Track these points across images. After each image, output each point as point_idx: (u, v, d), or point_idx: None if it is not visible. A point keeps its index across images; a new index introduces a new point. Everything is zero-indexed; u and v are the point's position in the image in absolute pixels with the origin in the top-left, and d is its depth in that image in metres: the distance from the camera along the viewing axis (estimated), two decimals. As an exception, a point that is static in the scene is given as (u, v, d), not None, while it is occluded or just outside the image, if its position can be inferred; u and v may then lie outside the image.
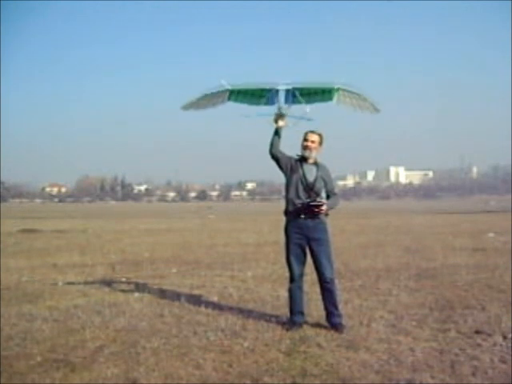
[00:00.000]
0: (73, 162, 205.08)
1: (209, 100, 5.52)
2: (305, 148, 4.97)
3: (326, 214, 5.01)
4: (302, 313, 5.03)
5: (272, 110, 5.21)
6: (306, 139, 4.99)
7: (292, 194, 4.95)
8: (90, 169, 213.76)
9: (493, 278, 7.55)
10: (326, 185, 5.01)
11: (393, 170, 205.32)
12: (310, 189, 4.90)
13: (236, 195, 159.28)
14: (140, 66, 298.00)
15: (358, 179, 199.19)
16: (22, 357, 4.17)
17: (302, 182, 4.92)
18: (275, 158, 5.03)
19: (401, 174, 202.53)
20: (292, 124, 5.22)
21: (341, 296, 5.42)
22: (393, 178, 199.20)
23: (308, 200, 4.87)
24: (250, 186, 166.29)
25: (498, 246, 12.11)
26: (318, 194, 4.93)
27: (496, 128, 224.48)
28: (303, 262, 5.02)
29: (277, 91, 5.21)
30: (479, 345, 4.37)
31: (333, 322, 4.88)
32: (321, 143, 5.03)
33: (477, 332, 4.71)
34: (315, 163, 5.00)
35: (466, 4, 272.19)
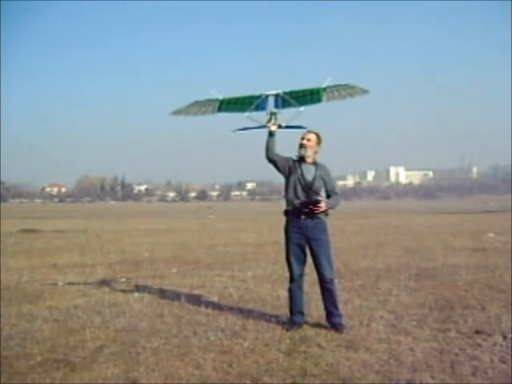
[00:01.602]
0: (73, 162, 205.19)
1: (199, 108, 5.63)
2: (301, 146, 5.00)
3: (326, 214, 4.99)
4: (301, 313, 5.03)
5: (262, 118, 5.21)
6: (302, 138, 5.02)
7: (291, 194, 4.96)
8: (90, 169, 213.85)
9: (493, 278, 7.55)
10: (326, 184, 5.00)
11: (393, 169, 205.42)
12: (308, 188, 4.90)
13: (236, 195, 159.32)
14: (140, 66, 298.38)
15: (358, 179, 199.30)
16: (22, 357, 4.17)
17: (300, 182, 4.93)
18: (272, 161, 5.04)
19: (401, 174, 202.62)
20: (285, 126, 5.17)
21: (341, 296, 5.40)
22: (393, 178, 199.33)
23: (305, 199, 4.88)
24: (250, 186, 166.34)
25: (498, 245, 12.10)
26: (316, 193, 4.92)
27: (496, 128, 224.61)
28: (303, 262, 5.02)
29: (266, 97, 5.23)
30: (479, 345, 4.37)
31: (333, 322, 4.88)
32: (318, 143, 5.03)
33: (477, 332, 4.71)
34: (314, 163, 5.01)
35: (466, 4, 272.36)
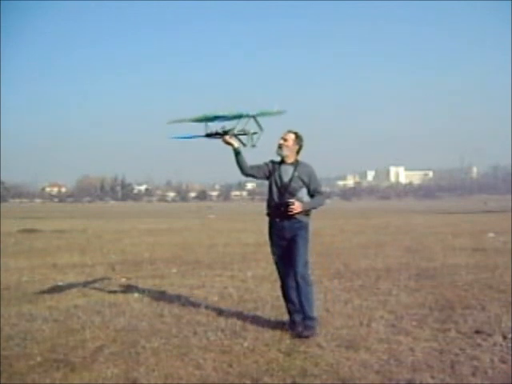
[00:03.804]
0: (73, 162, 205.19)
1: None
2: (279, 147, 4.93)
3: (307, 214, 4.90)
4: (299, 311, 4.99)
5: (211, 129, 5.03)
6: (281, 138, 4.95)
7: (269, 196, 4.95)
8: (89, 169, 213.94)
9: (493, 277, 7.55)
10: (308, 184, 4.89)
11: (393, 169, 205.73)
12: (283, 189, 4.83)
13: (236, 195, 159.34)
14: (140, 66, 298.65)
15: (357, 179, 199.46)
16: (22, 357, 4.17)
17: (276, 184, 4.88)
18: (250, 176, 5.02)
19: (401, 174, 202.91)
20: (253, 143, 4.98)
21: (314, 296, 4.90)
22: (393, 178, 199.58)
23: (278, 201, 4.82)
24: (250, 186, 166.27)
25: (498, 245, 12.10)
26: (292, 195, 4.81)
27: (496, 128, 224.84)
28: (289, 263, 4.93)
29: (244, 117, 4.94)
30: (479, 345, 4.37)
31: (305, 322, 4.75)
32: (297, 142, 4.93)
33: (477, 332, 4.71)
34: (293, 163, 4.91)
35: (466, 4, 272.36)
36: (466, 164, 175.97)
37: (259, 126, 4.99)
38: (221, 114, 4.94)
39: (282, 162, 4.96)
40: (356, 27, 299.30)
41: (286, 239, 4.88)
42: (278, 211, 4.83)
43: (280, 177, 4.89)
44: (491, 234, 15.18)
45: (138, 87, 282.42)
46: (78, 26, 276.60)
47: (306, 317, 4.75)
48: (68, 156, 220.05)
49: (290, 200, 4.79)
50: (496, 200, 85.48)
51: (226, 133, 4.95)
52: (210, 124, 5.11)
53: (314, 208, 4.97)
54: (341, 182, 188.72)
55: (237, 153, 4.93)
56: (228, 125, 5.01)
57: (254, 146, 5.02)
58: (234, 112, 4.92)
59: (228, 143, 4.93)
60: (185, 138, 5.42)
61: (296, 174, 4.87)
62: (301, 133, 5.00)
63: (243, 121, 4.96)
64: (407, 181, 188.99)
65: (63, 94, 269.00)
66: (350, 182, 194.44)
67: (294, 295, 4.99)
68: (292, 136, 4.94)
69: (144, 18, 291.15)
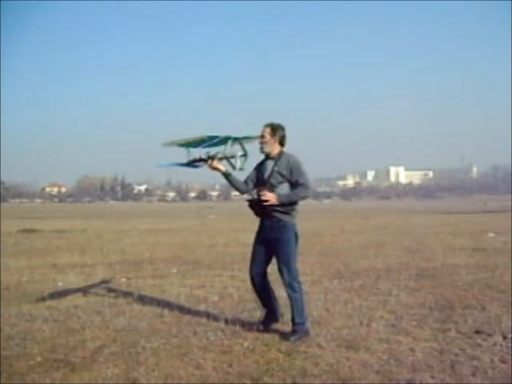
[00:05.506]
0: (73, 162, 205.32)
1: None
2: (259, 147, 4.80)
3: (286, 213, 4.66)
4: (271, 310, 4.91)
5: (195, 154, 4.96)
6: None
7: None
8: (90, 169, 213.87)
9: (493, 277, 7.55)
10: (289, 177, 4.63)
11: (393, 169, 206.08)
12: (262, 185, 4.69)
13: (236, 195, 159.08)
14: (140, 66, 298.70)
15: (357, 179, 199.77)
16: (22, 357, 4.16)
17: (257, 181, 4.78)
18: (250, 191, 4.92)
19: (401, 174, 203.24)
20: (240, 167, 4.86)
21: (302, 301, 4.74)
22: (393, 178, 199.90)
23: (250, 197, 4.73)
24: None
25: (498, 245, 12.10)
26: (271, 191, 4.63)
27: (496, 128, 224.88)
28: (263, 262, 4.82)
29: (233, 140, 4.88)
30: (479, 345, 4.37)
31: (292, 327, 4.68)
32: (273, 134, 4.70)
33: (477, 332, 4.71)
34: (274, 157, 4.72)
35: (466, 4, 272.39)
36: (466, 164, 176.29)
37: (244, 149, 4.90)
38: (215, 134, 4.78)
39: (267, 157, 4.80)
40: (356, 27, 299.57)
41: (266, 239, 4.75)
42: (255, 209, 4.73)
43: (262, 174, 4.75)
44: (491, 234, 15.18)
45: (138, 87, 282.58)
46: (78, 26, 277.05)
47: (293, 322, 4.68)
48: (68, 156, 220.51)
49: (261, 192, 4.60)
50: (496, 200, 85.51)
51: (210, 158, 4.85)
52: (192, 150, 5.02)
53: (293, 200, 4.65)
54: (341, 182, 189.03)
55: (227, 176, 4.83)
56: (212, 150, 4.92)
57: (241, 169, 4.92)
58: (223, 135, 4.80)
59: (215, 168, 4.81)
60: (170, 165, 5.34)
61: (276, 168, 4.66)
62: (278, 122, 4.78)
63: (229, 144, 4.87)
64: (407, 181, 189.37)
65: (63, 93, 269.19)
66: (350, 181, 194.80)
67: (261, 294, 4.90)
68: (267, 129, 4.73)
69: (144, 17, 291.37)
